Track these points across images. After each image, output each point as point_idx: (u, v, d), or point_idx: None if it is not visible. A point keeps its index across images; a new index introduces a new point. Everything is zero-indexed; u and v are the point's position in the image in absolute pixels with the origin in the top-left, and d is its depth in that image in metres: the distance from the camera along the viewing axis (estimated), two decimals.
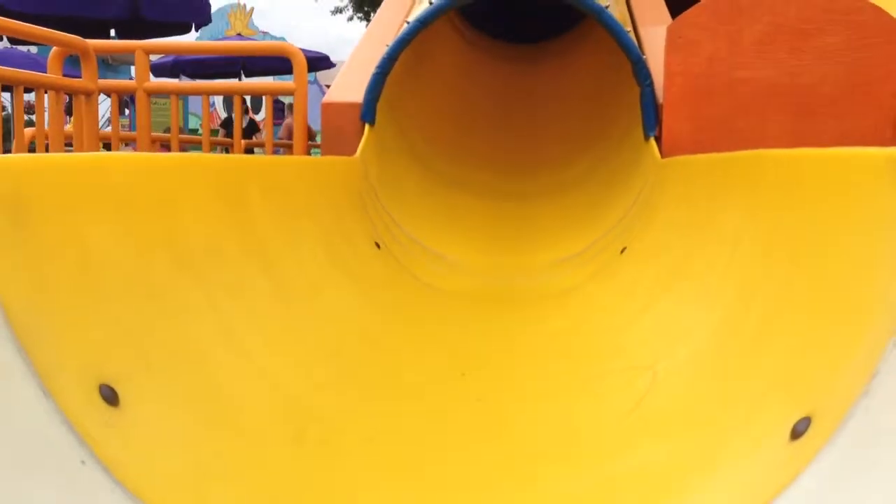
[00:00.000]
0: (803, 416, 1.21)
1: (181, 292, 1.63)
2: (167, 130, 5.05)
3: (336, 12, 23.16)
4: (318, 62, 11.93)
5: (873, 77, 3.47)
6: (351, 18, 22.77)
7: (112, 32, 8.46)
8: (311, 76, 14.14)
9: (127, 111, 11.44)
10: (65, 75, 3.98)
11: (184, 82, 5.38)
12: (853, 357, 1.16)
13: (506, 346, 2.64)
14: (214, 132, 10.70)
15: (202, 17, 8.81)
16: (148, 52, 4.09)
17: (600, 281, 3.13)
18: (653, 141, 3.62)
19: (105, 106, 7.48)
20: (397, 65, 3.88)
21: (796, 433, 1.20)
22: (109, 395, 1.24)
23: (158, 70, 11.87)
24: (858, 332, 1.17)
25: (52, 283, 1.26)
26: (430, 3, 3.84)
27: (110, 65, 14.21)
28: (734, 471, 1.31)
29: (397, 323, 2.73)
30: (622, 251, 3.21)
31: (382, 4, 4.95)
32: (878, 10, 3.46)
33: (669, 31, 3.59)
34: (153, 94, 4.20)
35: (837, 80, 3.50)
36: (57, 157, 1.43)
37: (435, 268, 3.49)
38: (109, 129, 4.45)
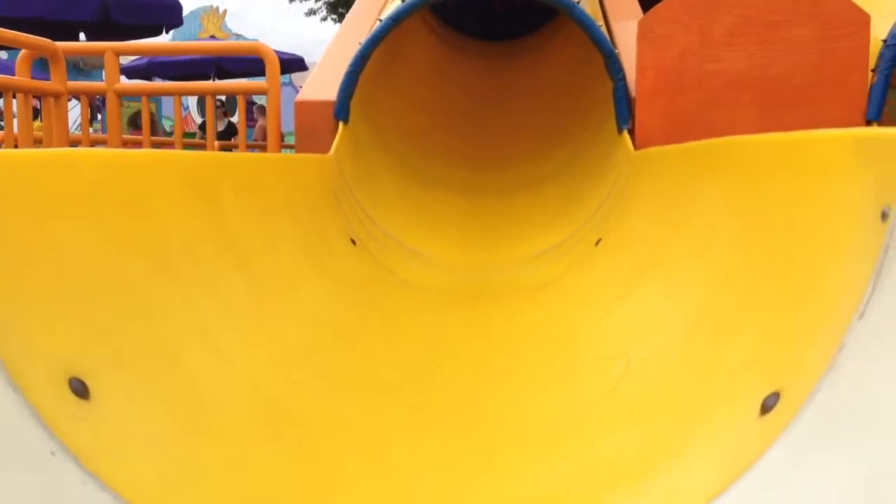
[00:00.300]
0: (772, 391, 1.22)
1: (155, 289, 1.62)
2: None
3: (310, 14, 23.12)
4: (292, 64, 11.89)
5: (842, 68, 3.52)
6: (325, 19, 22.74)
7: (82, 36, 8.38)
8: (285, 78, 14.12)
9: (99, 116, 11.35)
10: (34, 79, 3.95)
11: (155, 83, 5.35)
12: (821, 332, 1.17)
13: (482, 339, 2.64)
14: (190, 135, 10.61)
15: (173, 19, 8.74)
16: (118, 53, 4.06)
17: (576, 273, 3.15)
18: (626, 134, 3.65)
19: (77, 112, 7.42)
20: (371, 63, 3.88)
21: (765, 408, 1.22)
22: (80, 389, 1.23)
23: (131, 73, 11.77)
24: (826, 308, 1.19)
25: (19, 278, 1.25)
26: (403, 1, 3.84)
27: (82, 69, 14.09)
28: (706, 450, 1.33)
29: (373, 319, 2.73)
30: (597, 243, 3.23)
31: (355, 3, 4.95)
32: (846, 2, 3.51)
33: (641, 25, 3.62)
34: (124, 95, 4.17)
35: (807, 72, 3.54)
36: (25, 153, 1.41)
37: (411, 264, 3.49)
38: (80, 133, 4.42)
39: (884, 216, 1.10)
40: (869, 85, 3.64)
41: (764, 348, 1.37)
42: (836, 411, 1.06)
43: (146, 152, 1.76)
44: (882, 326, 1.05)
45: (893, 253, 1.06)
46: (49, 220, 1.38)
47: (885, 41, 3.76)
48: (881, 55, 3.73)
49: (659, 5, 3.62)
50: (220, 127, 9.61)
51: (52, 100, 3.84)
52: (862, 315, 1.08)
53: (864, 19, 3.49)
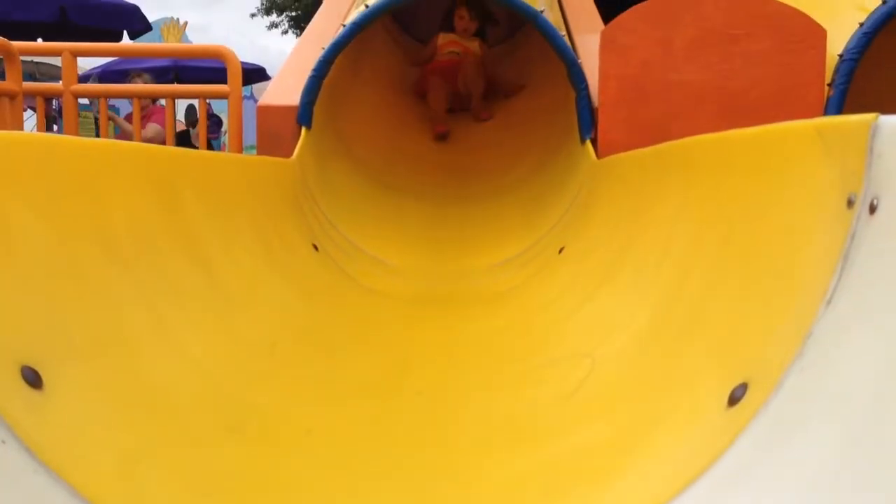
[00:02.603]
0: (740, 383, 1.22)
1: (110, 280, 1.57)
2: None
3: (272, 27, 23.10)
4: (254, 74, 11.80)
5: (800, 81, 3.58)
6: (286, 32, 22.77)
7: (39, 40, 8.25)
8: (246, 91, 13.98)
9: (56, 126, 11.14)
10: None
11: (113, 85, 5.26)
12: (787, 322, 1.17)
13: (446, 345, 2.62)
14: None
15: (134, 23, 8.62)
16: (75, 53, 3.98)
17: (540, 280, 3.15)
18: (589, 143, 3.67)
19: (32, 123, 7.28)
20: (334, 69, 3.86)
21: (733, 399, 1.21)
22: (32, 378, 1.18)
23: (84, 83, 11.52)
24: (792, 297, 1.19)
25: None
26: (367, 7, 3.83)
27: (38, 79, 13.83)
28: (674, 442, 1.31)
29: (336, 323, 2.69)
30: (560, 251, 3.24)
31: (319, 9, 4.93)
32: (803, 16, 3.57)
33: (603, 35, 3.66)
34: (81, 97, 4.09)
35: (766, 84, 3.60)
36: None
37: (374, 271, 3.46)
38: None
39: (850, 203, 1.10)
40: (826, 98, 3.71)
41: (730, 340, 1.37)
42: (804, 399, 1.06)
43: (97, 141, 1.71)
44: (849, 312, 1.05)
45: (860, 239, 1.06)
46: None
47: (840, 56, 3.84)
48: (837, 69, 3.81)
49: (621, 16, 3.65)
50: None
51: (6, 100, 3.76)
52: (829, 302, 1.08)
53: (820, 34, 3.56)
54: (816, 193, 1.21)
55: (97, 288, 1.50)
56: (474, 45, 5.30)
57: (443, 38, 5.31)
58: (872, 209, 1.03)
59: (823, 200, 1.18)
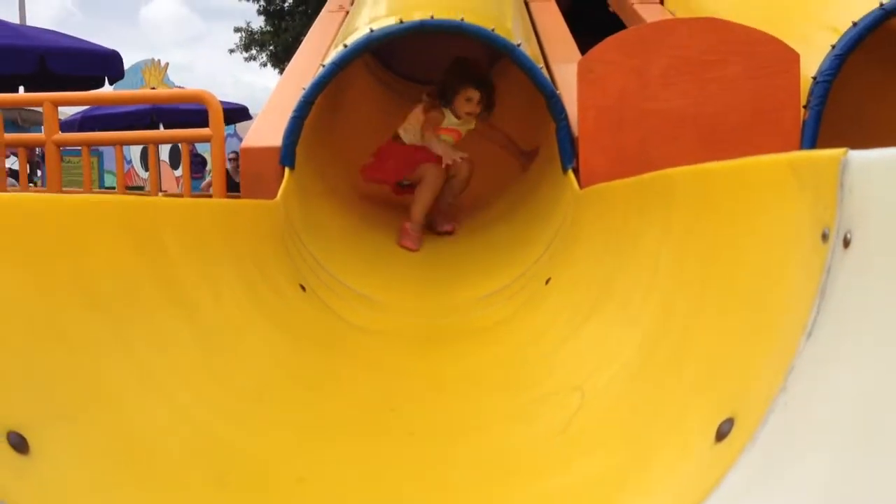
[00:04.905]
0: (726, 417, 1.22)
1: (94, 336, 1.56)
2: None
3: (249, 59, 23.20)
4: (236, 113, 11.84)
5: (774, 104, 3.64)
6: (264, 64, 22.89)
7: (21, 90, 8.26)
8: (230, 129, 14.01)
9: (39, 172, 11.13)
10: None
11: (95, 133, 5.25)
12: (769, 356, 1.18)
13: (436, 381, 2.62)
14: (133, 189, 10.44)
15: (113, 70, 8.64)
16: (56, 103, 4.00)
17: (527, 312, 3.16)
18: (571, 173, 3.70)
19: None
20: (315, 109, 3.88)
21: (721, 434, 1.22)
22: (18, 443, 1.17)
23: (66, 129, 11.54)
24: (773, 331, 1.20)
25: None
26: (345, 46, 3.87)
27: (20, 126, 13.84)
28: (665, 478, 1.32)
29: (325, 364, 2.69)
30: (547, 282, 3.25)
31: (299, 49, 4.97)
32: (775, 41, 3.63)
33: (580, 65, 3.70)
34: (63, 146, 4.09)
35: (741, 109, 3.65)
36: None
37: (362, 309, 3.46)
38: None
39: (824, 237, 1.12)
40: (802, 121, 3.76)
41: (715, 374, 1.37)
42: (790, 433, 1.06)
43: (79, 196, 1.71)
44: (829, 346, 1.06)
45: (836, 273, 1.08)
46: None
47: (814, 78, 3.90)
48: (811, 92, 3.87)
49: (597, 46, 3.71)
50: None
51: None
52: (809, 335, 1.09)
53: (793, 57, 3.63)
54: (792, 227, 1.23)
55: (81, 344, 1.50)
56: (470, 128, 4.53)
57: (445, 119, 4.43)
58: (846, 243, 1.05)
59: (799, 234, 1.20)
